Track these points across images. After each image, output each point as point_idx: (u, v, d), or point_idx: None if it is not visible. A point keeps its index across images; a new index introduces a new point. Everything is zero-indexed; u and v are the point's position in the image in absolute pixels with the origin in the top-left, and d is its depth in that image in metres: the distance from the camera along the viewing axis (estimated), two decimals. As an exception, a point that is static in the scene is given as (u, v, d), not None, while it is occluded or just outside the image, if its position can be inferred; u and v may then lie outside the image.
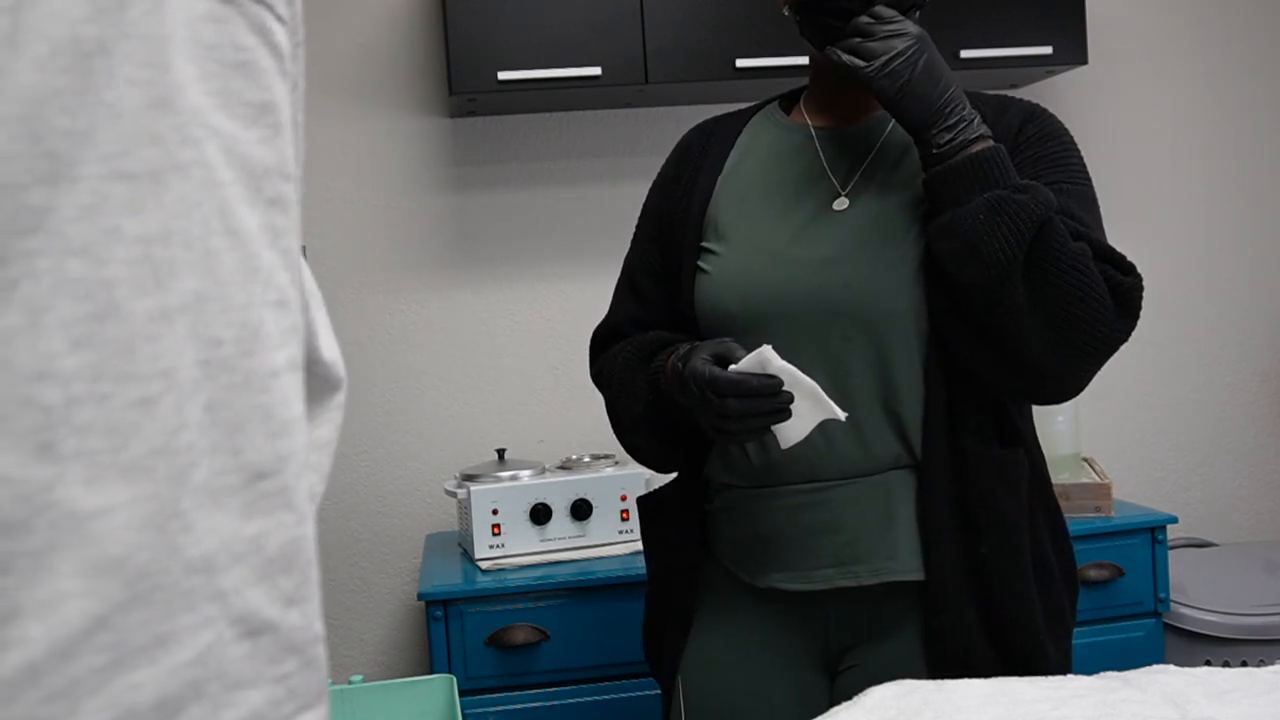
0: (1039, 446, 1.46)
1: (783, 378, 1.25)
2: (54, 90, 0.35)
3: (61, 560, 0.33)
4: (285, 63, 0.42)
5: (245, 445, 0.38)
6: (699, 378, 1.27)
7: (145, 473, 0.35)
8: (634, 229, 1.60)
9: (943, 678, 1.31)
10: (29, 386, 0.33)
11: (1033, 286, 1.27)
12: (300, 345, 0.42)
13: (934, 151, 1.31)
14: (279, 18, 0.42)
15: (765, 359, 1.26)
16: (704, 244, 1.46)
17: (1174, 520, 2.43)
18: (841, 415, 1.26)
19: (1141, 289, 1.33)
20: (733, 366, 1.27)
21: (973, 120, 1.32)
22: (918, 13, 1.38)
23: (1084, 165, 1.42)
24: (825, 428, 1.30)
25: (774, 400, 1.25)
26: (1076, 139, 1.44)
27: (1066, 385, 1.35)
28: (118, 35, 0.36)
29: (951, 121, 1.31)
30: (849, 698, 1.32)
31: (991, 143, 1.32)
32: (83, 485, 0.34)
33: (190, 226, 0.37)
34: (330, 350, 0.49)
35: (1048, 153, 1.38)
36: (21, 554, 0.33)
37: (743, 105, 1.60)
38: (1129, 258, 1.34)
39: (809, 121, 1.49)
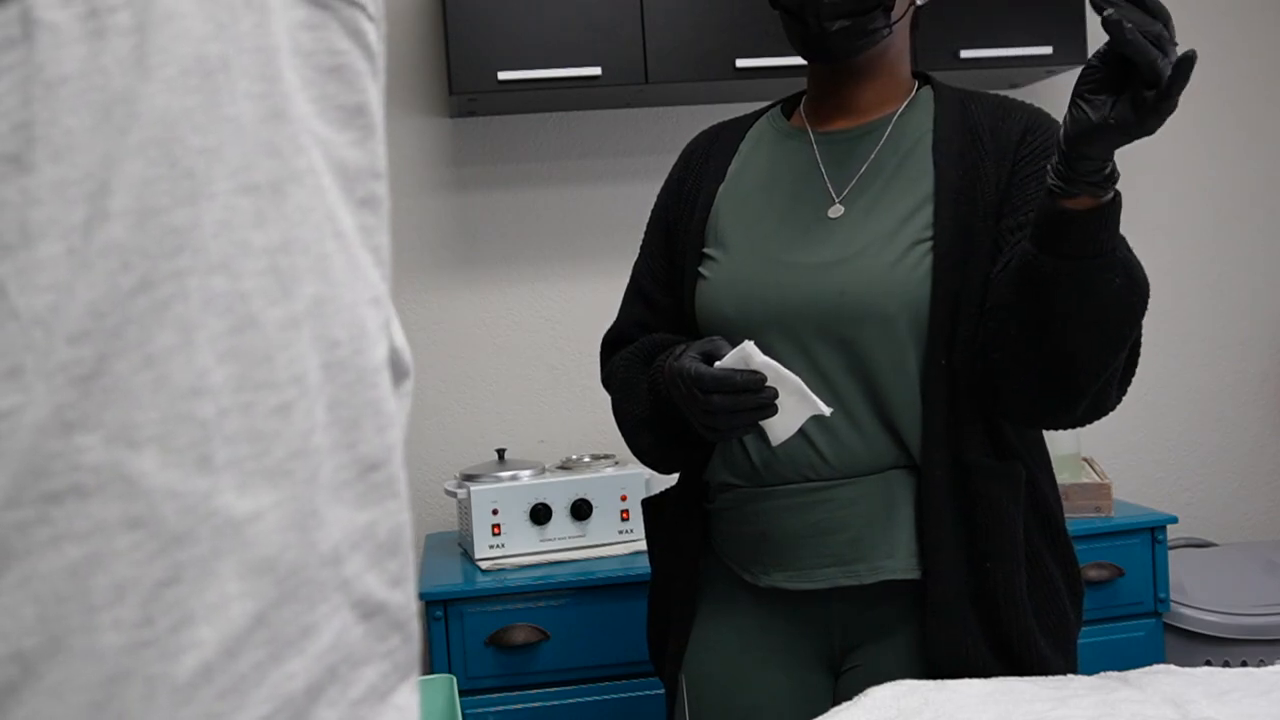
0: (1044, 451, 1.46)
1: (765, 373, 1.26)
2: (185, 110, 0.36)
3: (224, 565, 0.35)
4: (376, 62, 0.43)
5: (359, 440, 0.40)
6: (685, 375, 1.29)
7: (286, 475, 0.37)
8: (641, 233, 1.61)
9: (943, 678, 1.31)
10: (187, 403, 0.35)
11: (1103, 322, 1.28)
12: (388, 339, 0.45)
13: (1104, 173, 1.27)
14: (370, 18, 0.43)
15: (747, 355, 1.27)
16: (705, 250, 1.46)
17: (1174, 520, 2.43)
18: (826, 410, 1.27)
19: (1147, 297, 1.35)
20: (716, 363, 1.28)
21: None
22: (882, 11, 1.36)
23: None
24: (826, 428, 1.30)
25: (758, 395, 1.25)
26: (1077, 139, 1.44)
27: (1100, 402, 1.33)
28: (236, 50, 0.37)
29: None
30: (851, 697, 1.32)
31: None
32: (235, 492, 0.36)
33: (307, 234, 0.38)
34: (401, 338, 0.51)
35: (1043, 170, 1.38)
36: (190, 563, 0.35)
37: (748, 109, 1.61)
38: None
39: (808, 125, 1.49)
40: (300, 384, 0.38)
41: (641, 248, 1.60)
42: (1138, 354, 1.35)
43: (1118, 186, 1.28)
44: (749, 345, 1.27)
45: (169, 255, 0.35)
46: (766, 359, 1.26)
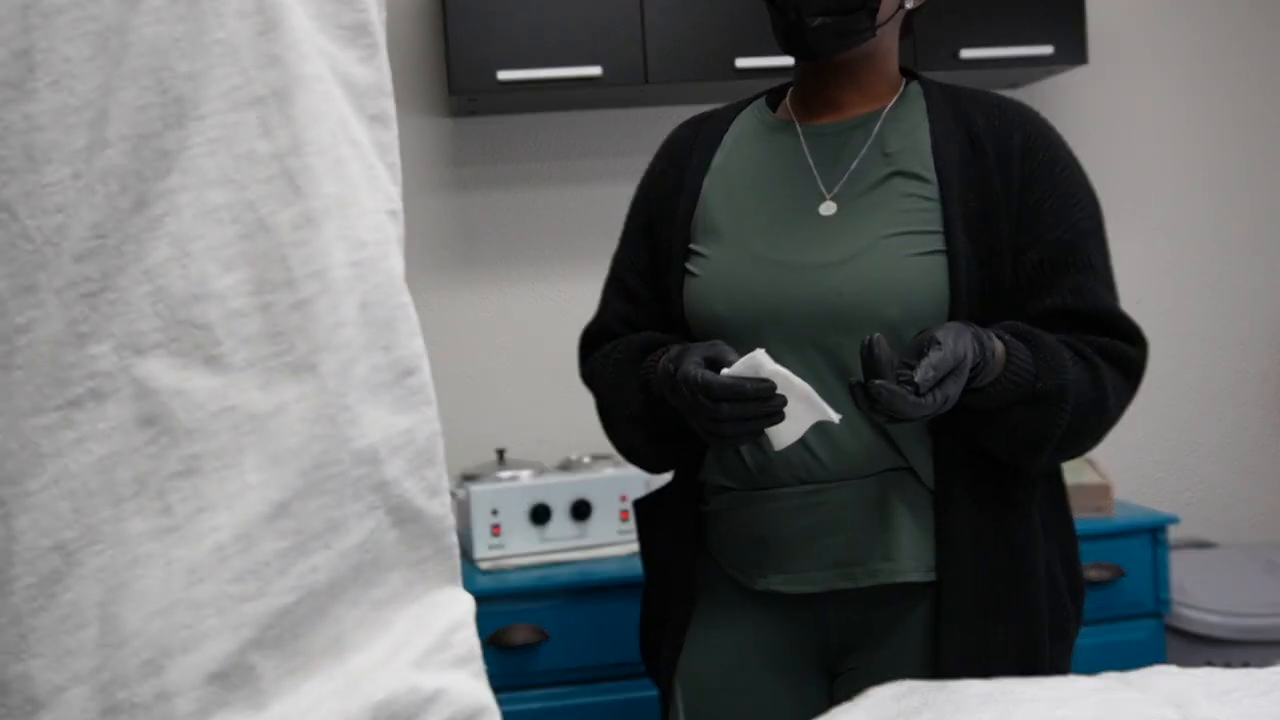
0: None
1: (775, 381, 1.25)
2: (173, 39, 0.38)
3: (245, 458, 0.38)
4: None
5: (395, 343, 0.42)
6: (691, 382, 1.26)
7: (311, 370, 0.39)
8: (623, 229, 1.59)
9: (943, 679, 1.31)
10: (187, 309, 0.37)
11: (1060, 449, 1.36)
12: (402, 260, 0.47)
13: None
14: None
15: (758, 363, 1.26)
16: (692, 245, 1.45)
17: (1175, 520, 2.43)
18: (835, 417, 1.26)
19: (1147, 355, 1.39)
20: (725, 370, 1.27)
21: (985, 357, 1.26)
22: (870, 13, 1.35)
23: (1090, 192, 1.41)
24: (820, 429, 1.30)
25: (767, 404, 1.24)
26: (1077, 139, 1.44)
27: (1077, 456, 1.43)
28: None
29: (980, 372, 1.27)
30: (848, 699, 1.32)
31: (1001, 367, 1.28)
32: (259, 390, 0.38)
33: (320, 135, 0.40)
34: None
35: (1054, 194, 1.37)
36: (206, 455, 0.37)
37: (728, 103, 1.59)
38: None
39: (795, 118, 1.48)
40: (321, 279, 0.40)
41: (621, 240, 1.57)
42: (1138, 371, 1.38)
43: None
44: (760, 353, 1.26)
45: (160, 176, 0.37)
46: (777, 367, 1.25)
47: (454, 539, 0.44)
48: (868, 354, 1.19)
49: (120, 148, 0.37)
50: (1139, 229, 2.83)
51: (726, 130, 1.51)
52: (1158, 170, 2.91)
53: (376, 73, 0.43)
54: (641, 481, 2.30)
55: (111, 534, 0.36)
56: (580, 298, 2.72)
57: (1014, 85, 2.76)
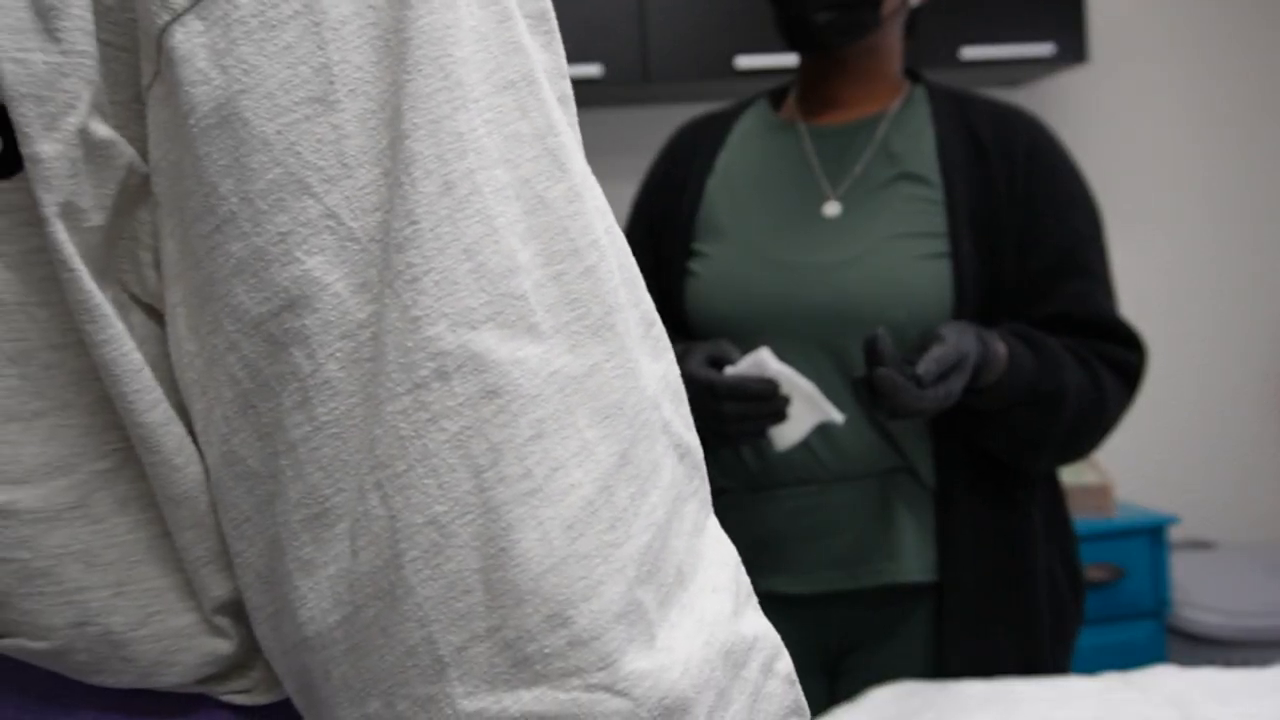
0: None
1: (779, 380, 1.25)
2: (445, 26, 0.41)
3: (578, 417, 0.40)
4: None
5: (640, 298, 0.45)
6: (695, 380, 1.26)
7: (609, 329, 0.42)
8: (624, 229, 1.59)
9: (944, 679, 1.31)
10: (506, 281, 0.40)
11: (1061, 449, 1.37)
12: None
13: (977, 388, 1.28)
14: None
15: (762, 362, 1.25)
16: (694, 245, 1.45)
17: (1175, 520, 2.43)
18: (839, 418, 1.26)
19: (1146, 362, 1.40)
20: (729, 369, 1.26)
21: (982, 360, 1.27)
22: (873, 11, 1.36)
23: (1091, 200, 1.41)
24: (821, 429, 1.30)
25: (771, 403, 1.24)
26: (1077, 139, 1.44)
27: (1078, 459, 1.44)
28: None
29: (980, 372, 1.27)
30: (849, 699, 1.32)
31: (1000, 369, 1.28)
32: (569, 353, 0.41)
33: (557, 118, 0.43)
34: None
35: (1056, 200, 1.37)
36: (548, 418, 0.40)
37: (731, 103, 1.59)
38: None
39: (799, 118, 1.48)
40: (597, 247, 0.43)
41: None
42: (1135, 375, 1.39)
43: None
44: (765, 352, 1.26)
45: (458, 157, 0.40)
46: (781, 366, 1.25)
47: (704, 467, 0.48)
48: (871, 347, 1.19)
49: (417, 135, 0.39)
50: (1139, 229, 2.83)
51: (730, 131, 1.51)
52: (1158, 170, 2.91)
53: (556, 57, 0.46)
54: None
55: (477, 503, 0.39)
56: (580, 297, 2.73)
57: (1015, 84, 2.76)
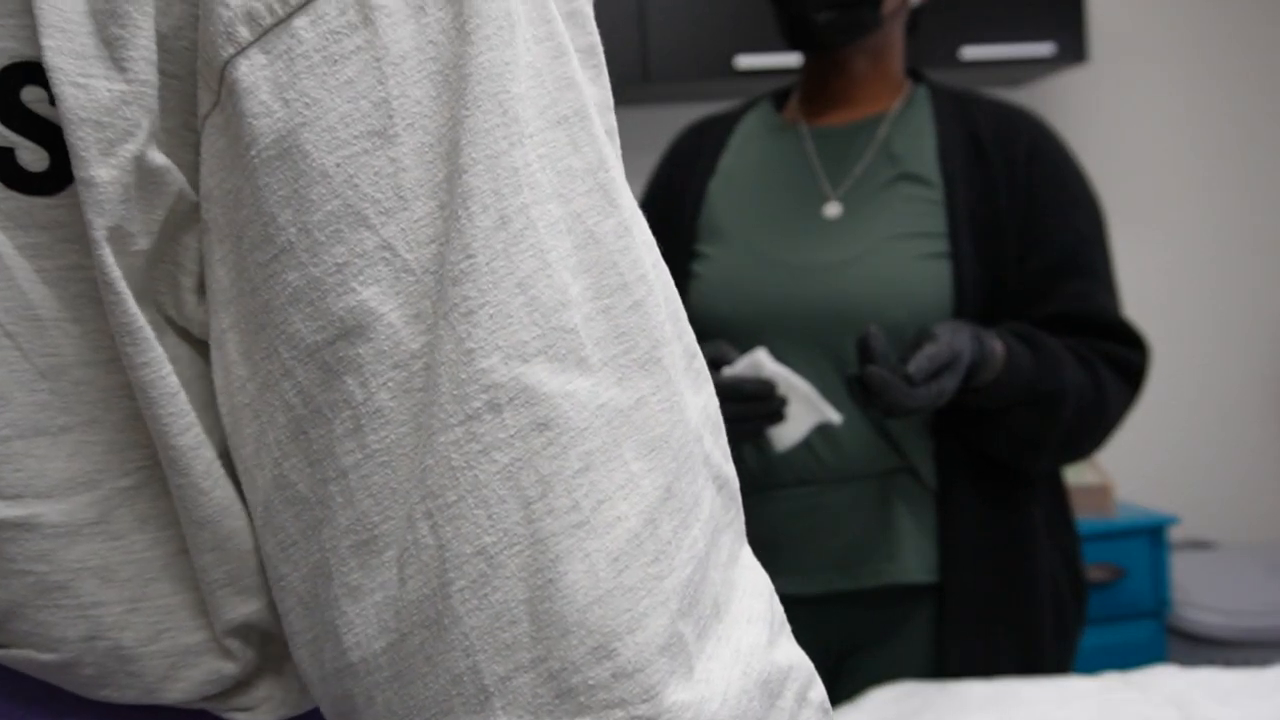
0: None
1: (777, 381, 1.25)
2: (504, 63, 0.41)
3: (625, 449, 0.41)
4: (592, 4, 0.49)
5: (683, 330, 0.46)
6: None
7: (655, 363, 0.43)
8: None
9: (945, 679, 1.31)
10: (557, 315, 0.40)
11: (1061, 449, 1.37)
12: None
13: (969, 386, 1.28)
14: None
15: (759, 362, 1.25)
16: (696, 246, 1.45)
17: (1176, 521, 2.43)
18: (837, 418, 1.26)
19: (1149, 361, 1.39)
20: (726, 370, 1.27)
21: (980, 359, 1.27)
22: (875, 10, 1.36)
23: (1093, 199, 1.41)
24: (821, 429, 1.30)
25: (768, 404, 1.24)
26: (1078, 138, 1.44)
27: (1079, 459, 1.44)
28: (519, 1, 0.42)
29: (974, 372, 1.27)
30: (850, 700, 1.32)
31: (998, 367, 1.28)
32: (618, 386, 0.41)
33: (607, 153, 0.44)
34: None
35: (1058, 200, 1.37)
36: (596, 451, 0.40)
37: (734, 104, 1.60)
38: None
39: (801, 119, 1.48)
40: (645, 282, 0.43)
41: None
42: (1138, 375, 1.39)
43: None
44: (761, 352, 1.26)
45: (514, 192, 0.40)
46: (778, 367, 1.25)
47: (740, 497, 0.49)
48: (864, 345, 1.19)
49: (475, 170, 0.40)
50: (1139, 228, 2.83)
51: (732, 132, 1.52)
52: (1158, 169, 2.91)
53: (604, 91, 0.46)
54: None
55: (525, 535, 0.39)
56: (580, 297, 2.72)
57: (1015, 84, 2.76)
